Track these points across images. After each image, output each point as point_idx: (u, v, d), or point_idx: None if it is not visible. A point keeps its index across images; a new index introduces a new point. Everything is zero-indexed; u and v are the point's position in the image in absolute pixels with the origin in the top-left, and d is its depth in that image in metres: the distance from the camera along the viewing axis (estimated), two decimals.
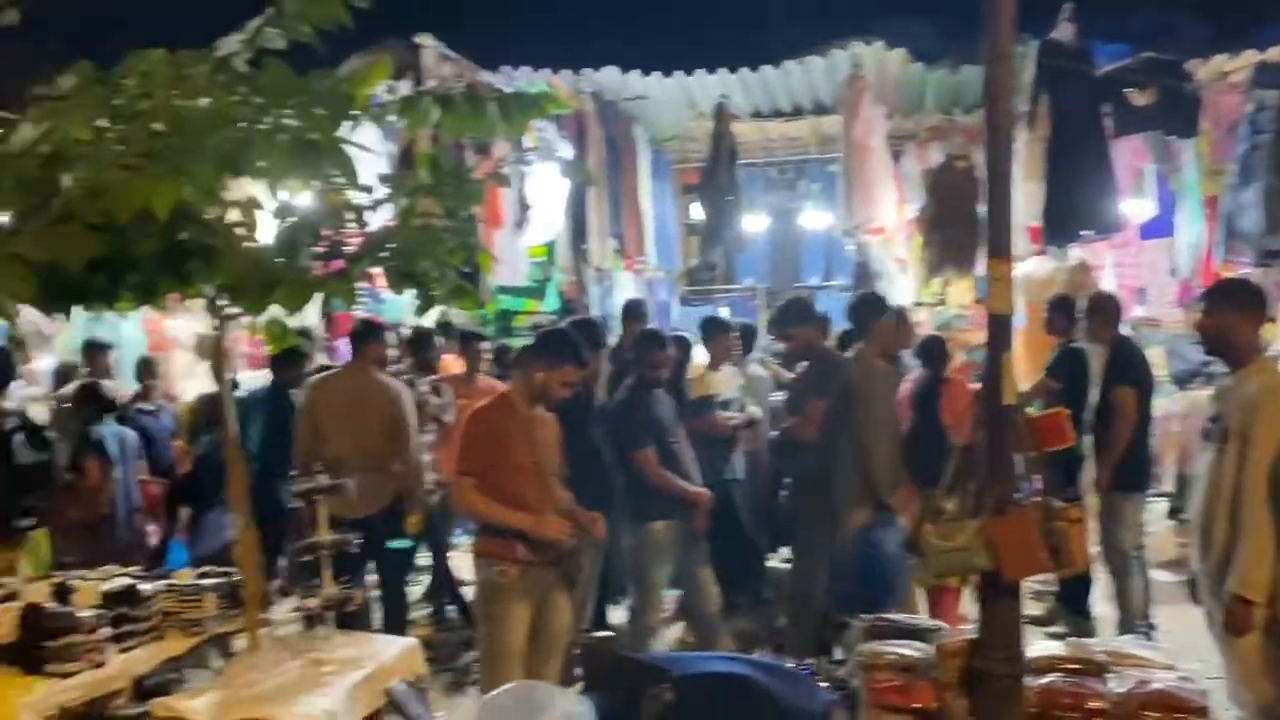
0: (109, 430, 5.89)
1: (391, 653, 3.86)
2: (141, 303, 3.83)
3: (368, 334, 5.52)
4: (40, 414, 6.32)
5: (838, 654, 4.86)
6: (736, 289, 11.68)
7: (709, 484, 5.09)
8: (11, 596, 3.74)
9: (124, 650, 3.69)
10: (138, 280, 3.62)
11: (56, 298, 3.51)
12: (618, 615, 5.87)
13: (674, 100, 8.97)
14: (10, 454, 5.75)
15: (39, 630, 3.45)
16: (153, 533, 6.23)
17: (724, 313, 10.08)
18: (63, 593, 3.76)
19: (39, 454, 5.82)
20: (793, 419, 5.29)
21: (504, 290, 8.37)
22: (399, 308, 8.05)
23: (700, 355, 6.41)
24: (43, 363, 7.72)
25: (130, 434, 6.11)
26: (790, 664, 3.37)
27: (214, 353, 4.41)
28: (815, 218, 11.29)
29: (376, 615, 5.32)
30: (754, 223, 10.64)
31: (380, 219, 4.09)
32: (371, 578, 5.40)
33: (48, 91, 3.29)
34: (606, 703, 2.35)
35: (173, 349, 8.36)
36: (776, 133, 10.23)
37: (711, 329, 6.28)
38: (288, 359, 5.95)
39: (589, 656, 3.15)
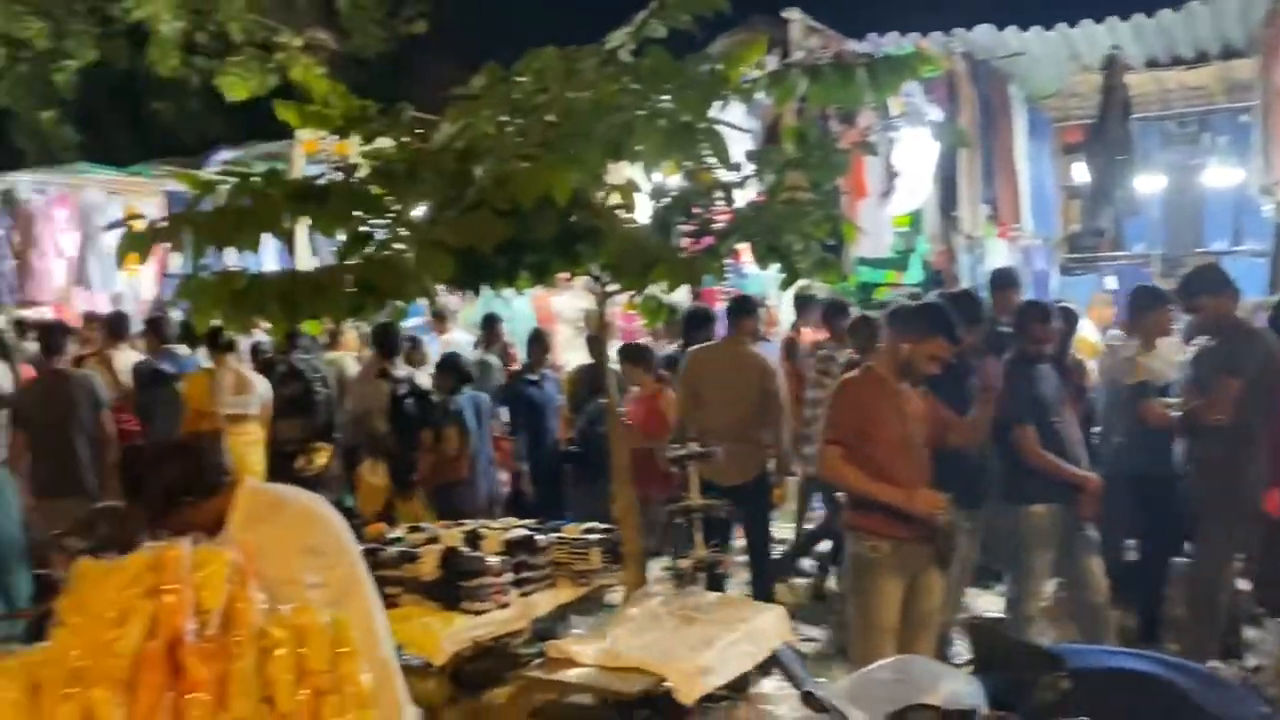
0: (465, 398, 6.41)
1: (761, 617, 3.96)
2: (537, 282, 4.18)
3: (743, 308, 5.69)
4: (426, 380, 7.10)
5: (1250, 660, 4.36)
6: (1125, 256, 10.67)
7: (1146, 478, 4.67)
8: (433, 540, 4.25)
9: (524, 594, 4.08)
10: (534, 261, 3.95)
11: (468, 278, 3.94)
12: (986, 601, 5.64)
13: (1054, 54, 8.34)
14: (402, 416, 6.59)
15: (456, 571, 3.89)
16: (504, 483, 6.82)
17: (1111, 282, 9.26)
18: (473, 539, 4.21)
19: (426, 416, 6.62)
20: (1198, 399, 4.78)
21: (865, 262, 8.23)
22: (761, 282, 8.18)
23: (1087, 329, 5.92)
24: (455, 335, 8.70)
25: (483, 397, 6.64)
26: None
27: (597, 327, 4.72)
28: (1222, 174, 10.03)
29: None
30: (1148, 183, 9.66)
31: (746, 195, 4.20)
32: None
33: (463, 92, 3.66)
34: (996, 685, 2.26)
35: (555, 323, 9.10)
36: (1175, 82, 9.20)
37: (1144, 300, 5.38)
38: (697, 320, 6.21)
39: (980, 637, 3.04)
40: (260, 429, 6.93)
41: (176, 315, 9.13)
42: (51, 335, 6.57)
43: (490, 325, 8.21)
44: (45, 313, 10.31)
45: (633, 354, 6.28)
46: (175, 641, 1.36)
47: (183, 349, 7.73)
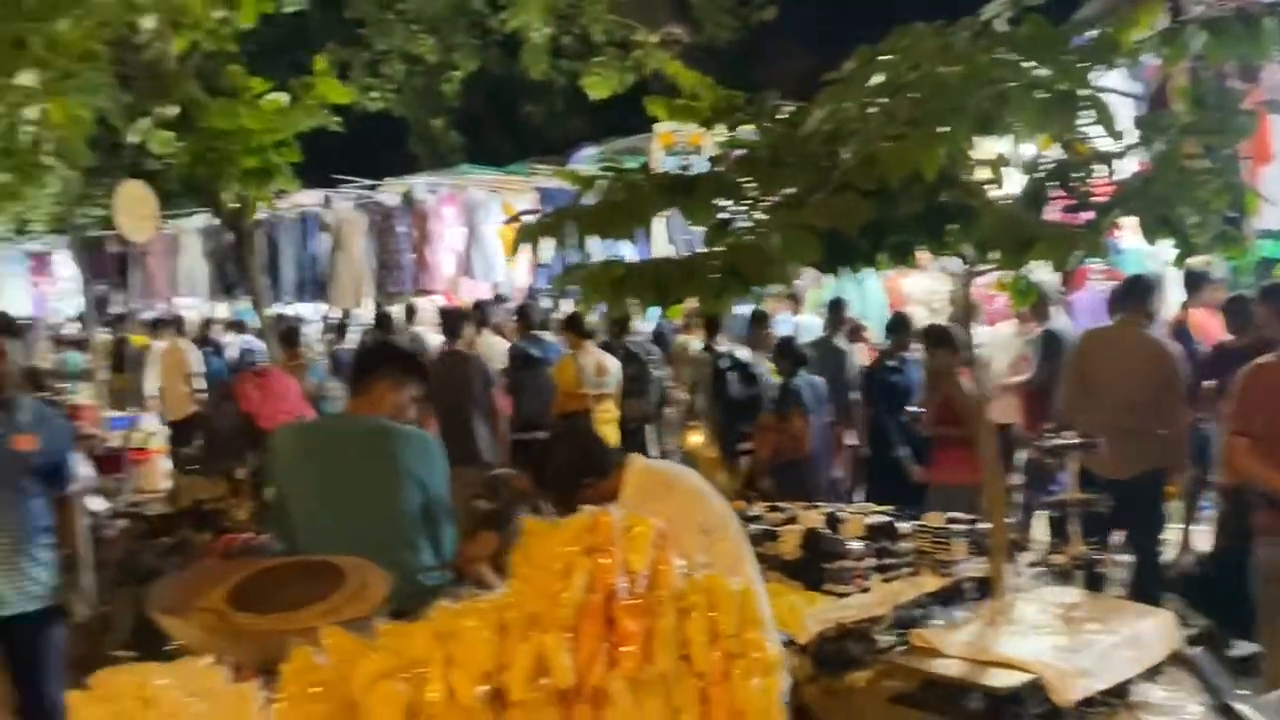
0: (803, 381, 6.56)
1: (1146, 622, 3.67)
2: (898, 262, 4.12)
3: (1139, 288, 5.30)
4: (746, 355, 7.32)
5: None
6: None
7: None
8: (791, 520, 4.32)
9: (885, 580, 4.05)
10: (897, 241, 3.90)
11: (829, 260, 3.95)
12: None
13: None
14: (726, 389, 6.82)
15: (818, 552, 3.94)
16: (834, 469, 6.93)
17: None
18: (833, 522, 4.23)
19: (748, 390, 6.80)
20: None
21: (1266, 235, 7.33)
22: (1137, 260, 7.56)
23: None
24: (805, 317, 8.79)
25: (819, 381, 6.74)
26: None
27: (962, 309, 4.57)
28: None
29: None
30: None
31: (1127, 165, 3.88)
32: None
33: (834, 76, 3.67)
34: None
35: (906, 305, 8.91)
36: None
37: None
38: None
39: None
40: (615, 407, 7.49)
41: (545, 303, 9.94)
42: (451, 320, 7.36)
43: (837, 308, 8.20)
44: (437, 301, 11.58)
45: (938, 336, 6.07)
46: (609, 597, 1.50)
47: (547, 334, 8.43)
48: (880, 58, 3.71)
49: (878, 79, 3.68)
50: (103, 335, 11.77)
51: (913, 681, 3.61)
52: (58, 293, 16.54)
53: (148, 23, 6.59)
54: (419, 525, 3.09)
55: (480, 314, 8.67)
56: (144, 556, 5.40)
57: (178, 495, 6.31)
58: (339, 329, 11.16)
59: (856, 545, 3.99)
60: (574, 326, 7.53)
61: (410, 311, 10.45)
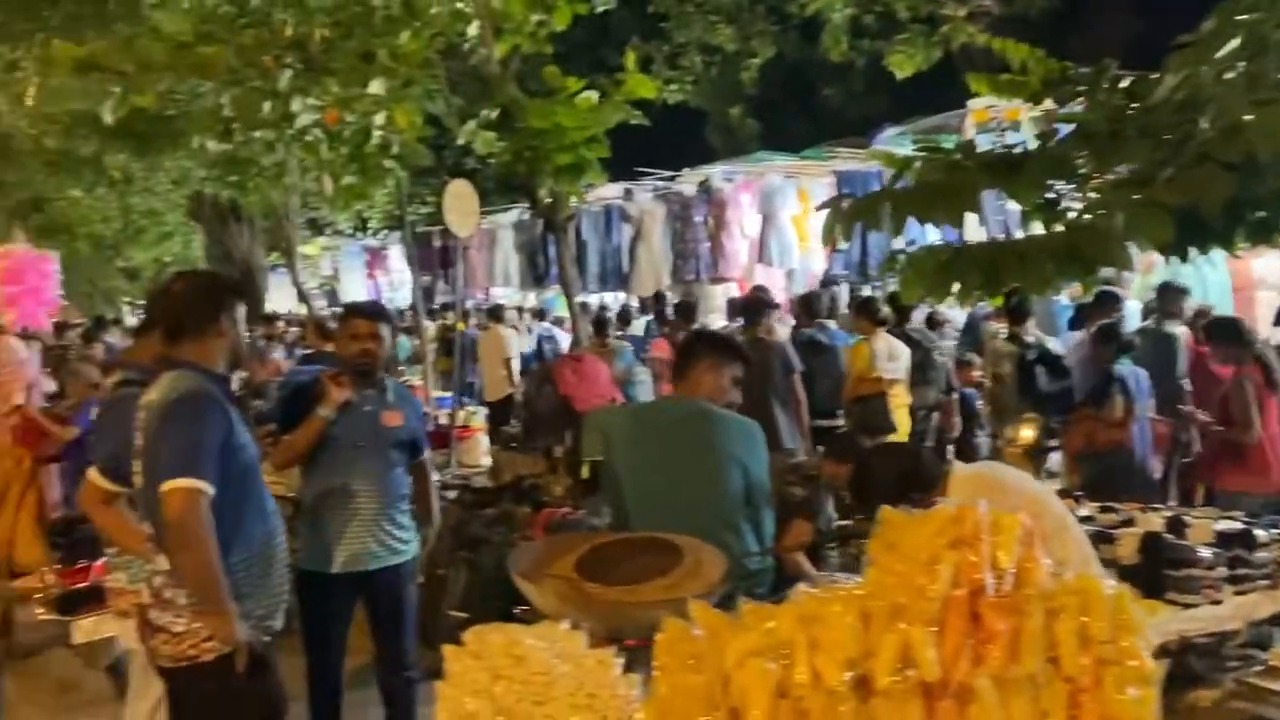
0: (1126, 369, 6.21)
1: None
2: (1257, 242, 3.73)
3: None
4: (1059, 346, 7.05)
5: None
6: None
7: None
8: (1127, 522, 4.02)
9: (1238, 593, 3.68)
10: (1259, 219, 3.52)
11: (1180, 240, 3.62)
12: None
13: None
14: (1033, 381, 6.47)
15: (1159, 558, 3.64)
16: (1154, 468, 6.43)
17: None
18: (1176, 525, 3.90)
19: (1059, 382, 6.42)
20: None
21: None
22: None
23: None
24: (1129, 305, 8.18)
25: (1142, 373, 6.34)
26: None
27: None
28: None
29: None
30: None
31: None
32: None
33: (1188, 39, 3.37)
34: None
35: (1257, 289, 8.04)
36: None
37: None
38: None
39: None
40: (905, 393, 7.37)
41: (842, 290, 9.82)
42: (751, 307, 7.45)
43: (1169, 292, 7.53)
44: (731, 289, 11.72)
45: (1223, 329, 5.44)
46: (976, 593, 1.45)
47: (830, 322, 8.39)
48: (1239, 17, 3.35)
49: (1234, 42, 3.32)
50: (429, 323, 12.84)
51: (1269, 705, 3.30)
52: (390, 283, 18.24)
53: (473, 30, 7.07)
54: (740, 508, 3.13)
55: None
56: (472, 526, 5.81)
57: (499, 471, 6.78)
58: (624, 317, 11.58)
59: (1206, 553, 3.65)
60: (867, 311, 7.47)
61: (695, 300, 10.69)
